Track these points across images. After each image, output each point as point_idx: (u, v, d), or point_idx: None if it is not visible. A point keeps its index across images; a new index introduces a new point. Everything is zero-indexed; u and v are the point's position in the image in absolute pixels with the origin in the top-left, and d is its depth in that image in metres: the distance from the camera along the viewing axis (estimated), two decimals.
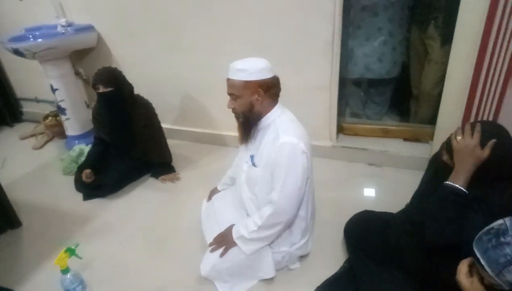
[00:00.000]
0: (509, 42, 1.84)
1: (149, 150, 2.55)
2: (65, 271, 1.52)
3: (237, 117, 1.62)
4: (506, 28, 1.82)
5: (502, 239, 0.90)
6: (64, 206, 2.42)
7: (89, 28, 2.86)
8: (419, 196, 1.55)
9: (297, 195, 1.58)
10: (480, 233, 0.99)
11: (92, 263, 1.90)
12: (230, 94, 1.56)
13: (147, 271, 1.87)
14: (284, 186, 1.53)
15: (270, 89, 1.55)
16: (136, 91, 2.49)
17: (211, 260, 1.66)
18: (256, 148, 1.66)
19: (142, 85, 2.57)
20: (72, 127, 3.03)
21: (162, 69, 2.87)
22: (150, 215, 2.30)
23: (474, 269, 1.03)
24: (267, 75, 1.53)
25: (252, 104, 1.55)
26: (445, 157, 1.30)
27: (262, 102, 1.55)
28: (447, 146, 1.30)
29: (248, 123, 1.61)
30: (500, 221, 0.95)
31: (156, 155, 2.58)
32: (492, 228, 0.95)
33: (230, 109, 1.61)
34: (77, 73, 3.09)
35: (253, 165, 1.67)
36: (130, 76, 2.47)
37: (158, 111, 2.56)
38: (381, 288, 1.51)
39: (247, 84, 1.51)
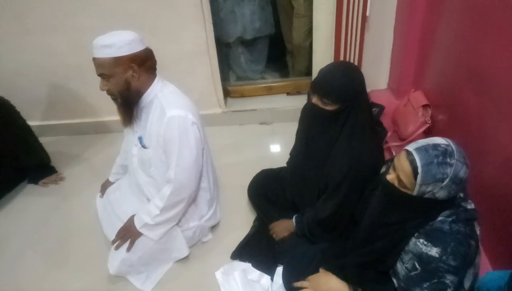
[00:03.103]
0: None
1: (19, 154, 2.19)
2: None
3: (114, 99, 1.47)
4: None
5: (448, 160, 0.95)
6: None
7: None
8: (298, 149, 1.65)
9: (195, 167, 1.54)
10: (424, 143, 0.99)
11: None
12: (100, 75, 1.40)
13: (48, 287, 1.68)
14: (180, 161, 1.47)
15: (144, 62, 1.43)
16: None
17: (119, 256, 1.55)
18: (143, 128, 1.55)
19: None
20: None
21: (12, 59, 2.44)
22: (38, 225, 2.03)
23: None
24: (138, 47, 1.40)
25: (128, 82, 1.42)
26: (314, 99, 1.36)
27: (138, 78, 1.43)
28: (314, 87, 1.36)
29: (128, 103, 1.48)
30: (443, 141, 0.99)
31: (29, 158, 2.24)
32: (439, 145, 0.97)
33: (105, 92, 1.46)
34: None
35: (143, 146, 1.57)
36: None
37: (19, 108, 2.19)
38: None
39: (118, 61, 1.36)
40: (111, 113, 2.59)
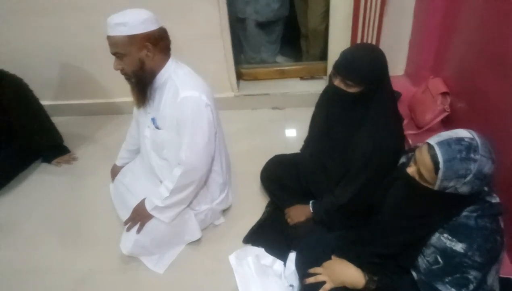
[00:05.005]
0: None
1: (32, 134, 2.19)
2: None
3: (128, 79, 1.45)
4: None
5: (472, 155, 0.91)
6: None
7: None
8: (315, 137, 1.63)
9: (206, 150, 1.52)
10: (447, 137, 0.95)
11: None
12: (114, 53, 1.37)
13: (62, 267, 1.70)
14: (191, 143, 1.46)
15: (159, 42, 1.40)
16: None
17: (132, 237, 1.56)
18: (156, 109, 1.53)
19: (1, 60, 2.13)
20: None
21: (23, 39, 2.42)
22: (51, 204, 2.05)
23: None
24: (152, 26, 1.37)
25: (142, 61, 1.39)
26: (336, 81, 1.32)
27: (153, 57, 1.40)
28: (337, 68, 1.31)
29: (142, 84, 1.46)
30: (468, 134, 0.95)
31: (42, 138, 2.24)
32: (463, 140, 0.93)
33: (119, 72, 1.43)
34: None
35: (157, 127, 1.55)
36: None
37: (31, 88, 2.17)
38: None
39: (132, 39, 1.33)
40: (122, 94, 2.59)
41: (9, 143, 2.20)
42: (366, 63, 1.27)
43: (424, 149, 0.97)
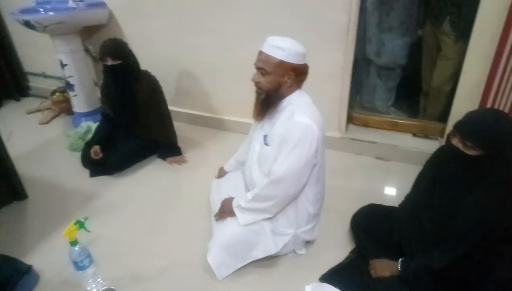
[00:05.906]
0: None
1: (153, 128, 2.50)
2: (74, 243, 1.51)
3: (258, 93, 1.60)
4: None
5: None
6: (70, 181, 2.42)
7: (101, 4, 2.82)
8: (414, 197, 1.56)
9: (298, 174, 1.55)
10: None
11: (97, 240, 1.89)
12: (259, 68, 1.53)
13: (153, 251, 1.87)
14: (287, 160, 1.52)
15: (300, 75, 1.55)
16: None
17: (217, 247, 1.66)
18: (271, 128, 1.65)
19: (146, 66, 2.51)
20: (79, 104, 3.00)
21: (168, 51, 2.84)
22: (155, 195, 2.29)
23: None
24: (301, 61, 1.53)
25: (280, 85, 1.54)
26: (454, 141, 1.28)
27: (289, 86, 1.54)
28: (458, 127, 1.28)
29: (268, 102, 1.60)
30: None
31: (160, 134, 2.54)
32: None
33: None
34: (86, 50, 3.05)
35: (266, 144, 1.66)
36: (136, 55, 2.43)
37: None
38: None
39: (282, 64, 1.49)
40: (231, 114, 2.86)
41: (135, 135, 2.54)
42: (490, 127, 1.21)
43: None
